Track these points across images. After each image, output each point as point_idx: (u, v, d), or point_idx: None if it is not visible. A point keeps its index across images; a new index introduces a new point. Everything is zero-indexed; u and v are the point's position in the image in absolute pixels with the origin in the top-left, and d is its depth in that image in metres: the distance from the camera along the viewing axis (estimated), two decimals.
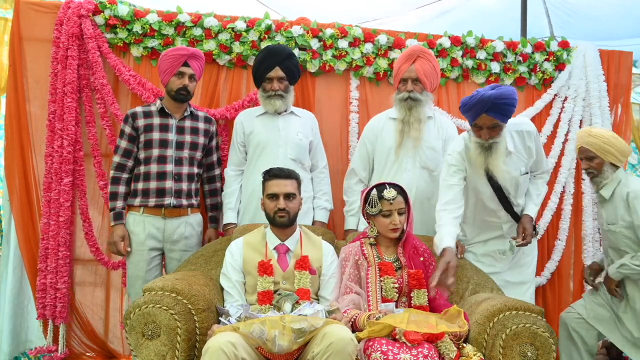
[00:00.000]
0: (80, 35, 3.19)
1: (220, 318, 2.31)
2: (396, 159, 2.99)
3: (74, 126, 3.15)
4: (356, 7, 4.31)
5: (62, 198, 3.13)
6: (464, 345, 2.20)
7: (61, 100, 3.15)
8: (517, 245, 2.86)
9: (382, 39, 3.54)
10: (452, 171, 2.74)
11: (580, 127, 3.69)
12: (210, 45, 3.37)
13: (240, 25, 3.39)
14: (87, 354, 3.29)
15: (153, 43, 3.31)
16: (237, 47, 3.39)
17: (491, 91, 2.57)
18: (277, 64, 2.97)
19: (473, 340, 2.24)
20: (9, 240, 3.25)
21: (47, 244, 3.12)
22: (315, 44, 3.46)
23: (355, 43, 3.52)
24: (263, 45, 3.38)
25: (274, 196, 2.49)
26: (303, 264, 2.44)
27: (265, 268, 2.41)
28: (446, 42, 3.62)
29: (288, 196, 2.49)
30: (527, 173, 2.86)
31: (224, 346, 1.96)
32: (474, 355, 2.13)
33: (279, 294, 2.38)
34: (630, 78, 3.86)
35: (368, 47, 3.53)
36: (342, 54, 3.49)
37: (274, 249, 2.50)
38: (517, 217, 2.87)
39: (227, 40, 3.38)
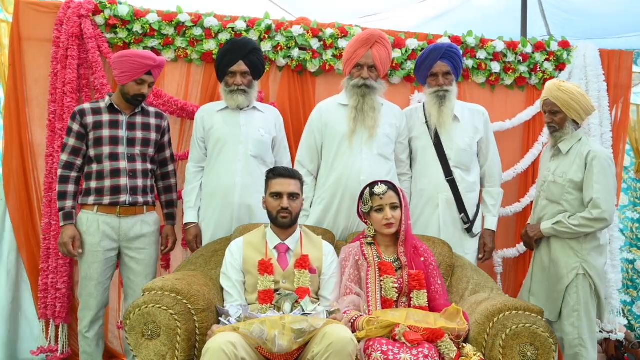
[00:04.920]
0: (80, 35, 3.18)
1: (220, 318, 2.31)
2: (350, 147, 2.89)
3: None
4: (356, 0, 4.30)
5: None
6: (464, 345, 2.20)
7: (61, 100, 3.14)
8: (480, 260, 3.06)
9: None
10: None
11: None
12: (210, 45, 3.36)
13: (241, 25, 3.39)
14: None
15: (153, 43, 3.31)
16: None
17: (443, 42, 3.22)
18: (240, 58, 2.91)
19: (473, 340, 2.24)
20: (2, 242, 3.23)
21: (48, 244, 3.11)
22: (315, 43, 3.46)
23: None
24: (264, 45, 3.38)
25: (277, 195, 2.49)
26: (303, 262, 2.44)
27: (265, 267, 2.41)
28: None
29: (292, 196, 2.49)
30: (470, 147, 3.01)
31: (224, 346, 1.96)
32: (474, 355, 2.13)
33: (278, 294, 2.38)
34: (631, 78, 3.85)
35: None
36: (342, 53, 3.47)
37: (274, 248, 2.50)
38: (456, 191, 2.96)
39: (227, 40, 3.37)
